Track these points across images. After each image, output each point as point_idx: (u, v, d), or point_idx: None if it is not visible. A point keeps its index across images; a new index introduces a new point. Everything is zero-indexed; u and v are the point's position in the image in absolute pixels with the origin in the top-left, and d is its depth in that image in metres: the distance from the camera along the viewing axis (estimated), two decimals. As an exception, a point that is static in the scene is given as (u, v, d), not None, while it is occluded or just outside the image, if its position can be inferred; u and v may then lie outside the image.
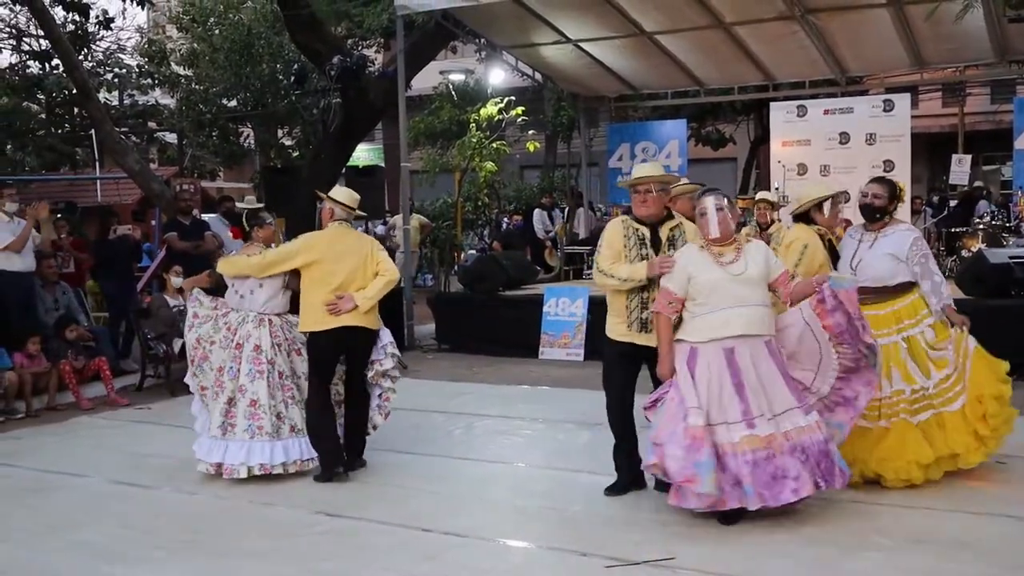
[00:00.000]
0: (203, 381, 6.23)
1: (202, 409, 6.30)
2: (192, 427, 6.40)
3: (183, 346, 9.20)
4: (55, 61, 15.82)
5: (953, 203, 15.92)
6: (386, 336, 6.23)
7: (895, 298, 5.61)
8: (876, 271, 5.61)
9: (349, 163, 14.50)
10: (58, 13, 14.79)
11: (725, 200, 5.10)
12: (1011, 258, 9.34)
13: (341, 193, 6.25)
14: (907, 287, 5.64)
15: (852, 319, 4.97)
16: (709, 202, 5.05)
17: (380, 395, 6.22)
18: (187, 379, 6.43)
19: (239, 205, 11.39)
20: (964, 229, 12.39)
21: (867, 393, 5.12)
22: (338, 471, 5.97)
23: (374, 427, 6.26)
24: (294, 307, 6.24)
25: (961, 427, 5.47)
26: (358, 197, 6.29)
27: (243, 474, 5.90)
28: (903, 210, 12.88)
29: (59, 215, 14.95)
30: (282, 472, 6.00)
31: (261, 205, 11.83)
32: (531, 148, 19.24)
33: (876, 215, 5.75)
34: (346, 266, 5.95)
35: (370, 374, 6.18)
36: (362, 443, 6.22)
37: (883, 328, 5.51)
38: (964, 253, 10.64)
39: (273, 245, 6.43)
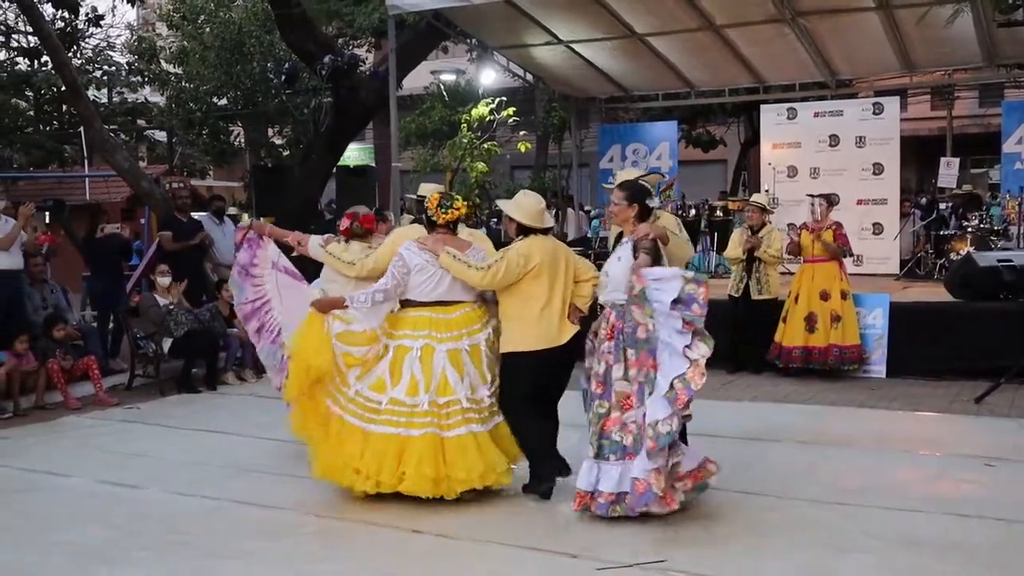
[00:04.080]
0: None
1: None
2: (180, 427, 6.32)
3: (172, 345, 9.25)
4: (44, 58, 15.74)
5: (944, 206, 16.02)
6: None
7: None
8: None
9: (340, 163, 14.49)
10: (47, 10, 14.73)
11: None
12: (999, 261, 9.37)
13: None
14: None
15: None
16: None
17: None
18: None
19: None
20: (952, 232, 12.43)
21: None
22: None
23: None
24: None
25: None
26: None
27: None
28: (892, 212, 13.04)
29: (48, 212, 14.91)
30: None
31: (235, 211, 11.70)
32: (522, 149, 19.23)
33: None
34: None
35: None
36: None
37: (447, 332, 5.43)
38: (952, 256, 10.65)
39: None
